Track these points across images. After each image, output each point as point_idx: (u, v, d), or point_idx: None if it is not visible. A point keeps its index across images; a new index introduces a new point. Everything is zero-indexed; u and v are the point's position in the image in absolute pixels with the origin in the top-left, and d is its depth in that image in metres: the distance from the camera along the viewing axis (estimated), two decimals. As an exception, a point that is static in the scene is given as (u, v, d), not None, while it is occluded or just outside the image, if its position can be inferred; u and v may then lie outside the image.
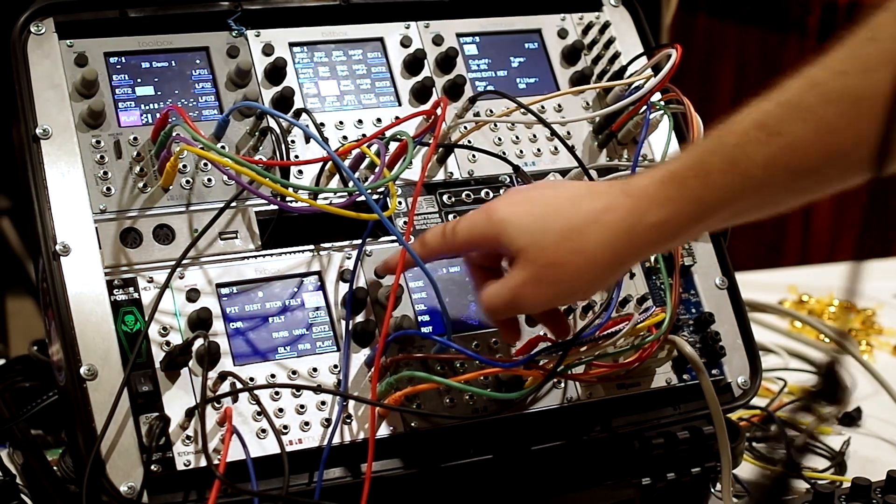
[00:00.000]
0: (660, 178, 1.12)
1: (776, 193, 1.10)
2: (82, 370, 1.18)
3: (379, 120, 1.39)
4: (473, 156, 1.40)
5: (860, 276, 0.76)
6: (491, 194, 1.39)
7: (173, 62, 1.35)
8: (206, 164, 1.30)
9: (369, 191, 1.25)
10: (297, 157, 1.33)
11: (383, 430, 1.25)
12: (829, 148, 1.06)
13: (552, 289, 1.16)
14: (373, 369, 1.25)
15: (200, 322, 1.22)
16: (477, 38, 1.47)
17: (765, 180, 1.08)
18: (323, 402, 1.24)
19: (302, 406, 1.23)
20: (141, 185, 1.27)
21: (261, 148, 1.33)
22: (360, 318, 1.28)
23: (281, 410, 1.22)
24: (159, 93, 1.33)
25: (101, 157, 1.27)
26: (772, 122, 1.07)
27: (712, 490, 1.41)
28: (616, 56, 1.48)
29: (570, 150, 1.41)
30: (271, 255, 1.29)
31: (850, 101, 1.04)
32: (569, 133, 1.43)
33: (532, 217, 1.15)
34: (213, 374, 1.21)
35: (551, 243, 1.13)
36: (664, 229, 1.12)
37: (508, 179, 1.40)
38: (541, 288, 1.16)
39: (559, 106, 1.45)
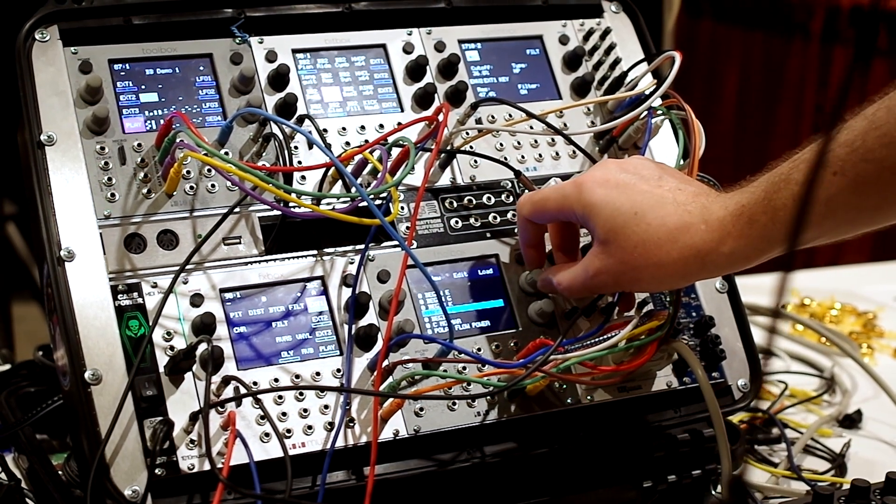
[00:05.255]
0: (734, 211, 1.17)
1: (837, 227, 1.16)
2: (87, 375, 1.18)
3: (381, 126, 1.40)
4: (475, 161, 1.41)
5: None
6: (493, 199, 1.40)
7: (177, 69, 1.36)
8: (209, 170, 1.31)
9: (372, 196, 1.26)
10: (300, 162, 1.34)
11: (386, 434, 1.26)
12: (890, 188, 1.10)
13: (627, 283, 1.26)
14: (375, 372, 1.26)
15: (204, 327, 1.23)
16: (479, 45, 1.48)
17: (826, 216, 1.13)
18: (326, 406, 1.25)
19: (305, 410, 1.24)
20: (145, 190, 1.28)
21: (264, 154, 1.34)
22: (362, 323, 1.29)
23: (284, 414, 1.23)
24: (163, 99, 1.34)
25: (106, 163, 1.28)
26: (835, 162, 1.11)
27: (713, 492, 1.41)
28: (617, 62, 1.49)
29: (589, 156, 1.43)
30: (274, 260, 1.30)
31: None
32: (569, 139, 1.44)
33: (619, 212, 1.21)
34: (216, 379, 1.21)
35: (631, 246, 1.21)
36: (733, 258, 1.19)
37: (510, 185, 1.41)
38: (617, 280, 1.25)
39: (560, 112, 1.45)
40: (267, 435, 1.21)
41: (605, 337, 1.28)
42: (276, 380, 1.24)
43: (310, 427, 1.24)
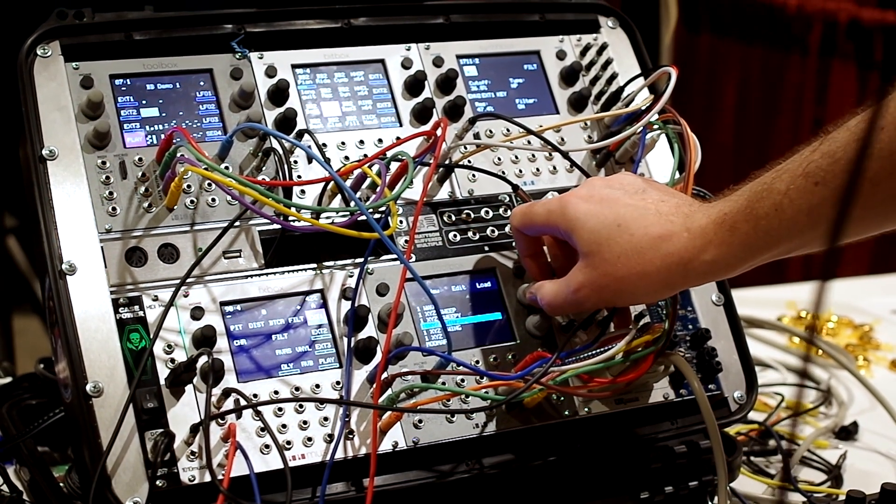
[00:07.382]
0: (716, 219, 1.19)
1: (820, 237, 1.16)
2: (88, 387, 1.19)
3: (380, 140, 1.40)
4: (473, 175, 1.42)
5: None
6: (491, 213, 1.41)
7: (177, 84, 1.37)
8: (210, 185, 1.32)
9: (370, 210, 1.27)
10: (299, 177, 1.35)
11: (385, 445, 1.26)
12: (871, 200, 1.11)
13: (610, 296, 1.27)
14: (374, 385, 1.26)
15: (205, 339, 1.24)
16: (476, 60, 1.49)
17: (809, 226, 1.14)
18: (325, 418, 1.25)
19: (305, 422, 1.25)
20: (146, 204, 1.29)
21: (264, 168, 1.34)
22: (361, 335, 1.30)
23: (284, 426, 1.24)
24: (164, 114, 1.35)
25: (107, 177, 1.29)
26: (817, 173, 1.13)
27: (710, 504, 1.42)
28: (614, 77, 1.50)
29: (584, 172, 1.44)
30: (274, 273, 1.31)
31: (887, 156, 1.09)
32: (565, 155, 1.45)
33: (602, 225, 1.23)
34: (217, 391, 1.22)
35: (614, 257, 1.22)
36: (716, 266, 1.20)
37: (508, 199, 1.42)
38: (600, 293, 1.25)
39: (558, 127, 1.46)
40: (267, 447, 1.22)
41: (602, 350, 1.29)
42: (276, 392, 1.25)
43: (309, 439, 1.24)
